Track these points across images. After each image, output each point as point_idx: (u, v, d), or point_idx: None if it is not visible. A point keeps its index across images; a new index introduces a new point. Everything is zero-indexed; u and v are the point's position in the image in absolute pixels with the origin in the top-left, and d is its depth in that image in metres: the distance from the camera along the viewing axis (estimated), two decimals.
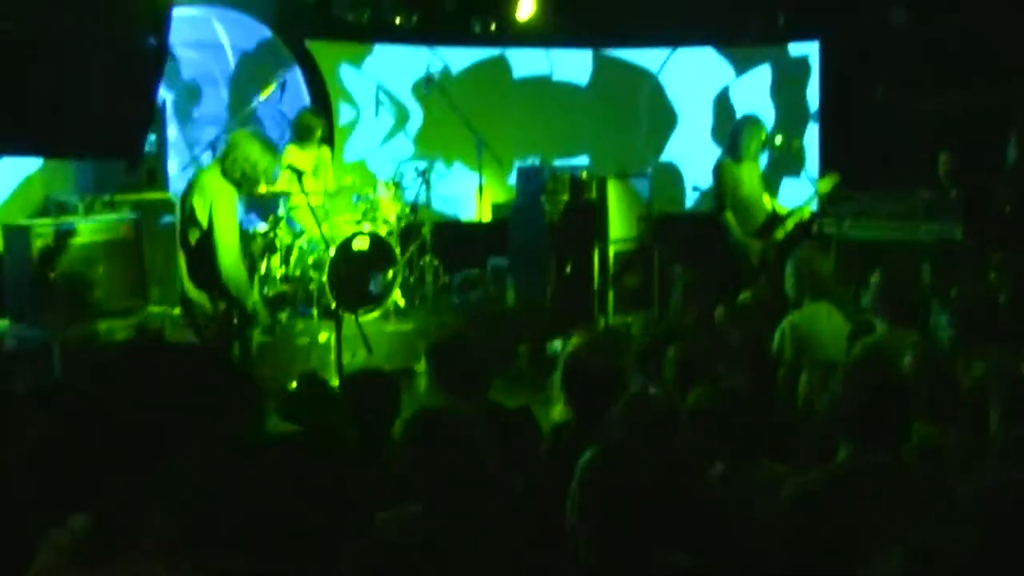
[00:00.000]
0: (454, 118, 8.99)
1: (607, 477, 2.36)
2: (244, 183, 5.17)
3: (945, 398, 3.42)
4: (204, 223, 5.01)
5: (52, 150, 5.49)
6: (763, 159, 7.73)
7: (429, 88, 8.60)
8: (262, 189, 5.94)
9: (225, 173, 5.09)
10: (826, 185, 7.36)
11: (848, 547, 2.28)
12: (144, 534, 1.56)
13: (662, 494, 2.37)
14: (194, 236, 5.06)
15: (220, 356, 1.58)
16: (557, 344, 4.30)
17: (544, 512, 2.92)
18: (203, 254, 5.03)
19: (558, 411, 3.99)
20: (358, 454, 3.70)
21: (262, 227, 7.32)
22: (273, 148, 5.34)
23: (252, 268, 6.76)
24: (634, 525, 2.31)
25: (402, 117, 9.70)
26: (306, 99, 9.04)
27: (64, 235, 5.98)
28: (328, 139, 8.32)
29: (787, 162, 8.61)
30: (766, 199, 7.52)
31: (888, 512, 2.64)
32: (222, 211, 5.01)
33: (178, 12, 4.71)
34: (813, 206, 7.52)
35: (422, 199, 8.19)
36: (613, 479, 2.35)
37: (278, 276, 7.25)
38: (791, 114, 9.91)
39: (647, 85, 10.51)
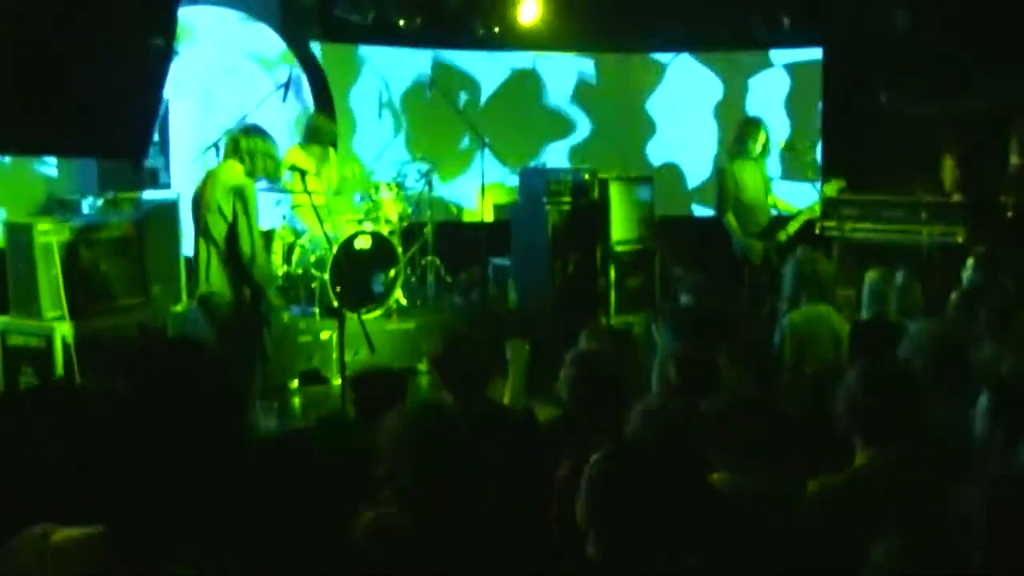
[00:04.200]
0: (457, 119, 9.01)
1: (618, 477, 2.37)
2: (267, 179, 5.55)
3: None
4: (229, 215, 5.21)
5: (57, 149, 5.52)
6: (769, 161, 7.73)
7: (432, 90, 8.61)
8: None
9: (250, 173, 5.32)
10: (832, 190, 7.37)
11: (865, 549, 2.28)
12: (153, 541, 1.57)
13: (674, 495, 2.37)
14: (220, 228, 5.23)
15: (207, 355, 1.57)
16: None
17: (544, 511, 2.93)
18: (230, 245, 5.23)
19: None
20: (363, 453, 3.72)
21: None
22: (272, 136, 5.57)
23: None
24: (644, 526, 2.32)
25: (405, 118, 9.71)
26: (310, 100, 9.06)
27: (67, 233, 5.99)
28: (332, 140, 8.33)
29: (795, 167, 8.63)
30: (771, 199, 7.54)
31: (911, 512, 2.64)
32: (247, 203, 5.23)
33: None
34: (817, 210, 7.53)
35: (424, 199, 8.20)
36: (624, 479, 2.36)
37: (280, 275, 7.27)
38: (796, 119, 9.92)
39: (650, 89, 10.52)
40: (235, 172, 5.32)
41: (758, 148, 7.36)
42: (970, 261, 5.62)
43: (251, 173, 5.35)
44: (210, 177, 5.41)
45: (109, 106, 4.13)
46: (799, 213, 7.49)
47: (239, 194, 5.23)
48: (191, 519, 1.62)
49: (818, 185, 7.64)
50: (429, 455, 2.66)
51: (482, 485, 2.76)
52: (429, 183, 8.21)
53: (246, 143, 5.34)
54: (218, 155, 6.62)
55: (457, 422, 2.77)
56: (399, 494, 2.61)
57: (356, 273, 7.05)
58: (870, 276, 5.15)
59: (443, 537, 2.58)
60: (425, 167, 8.15)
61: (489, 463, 2.93)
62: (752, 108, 9.79)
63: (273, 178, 5.69)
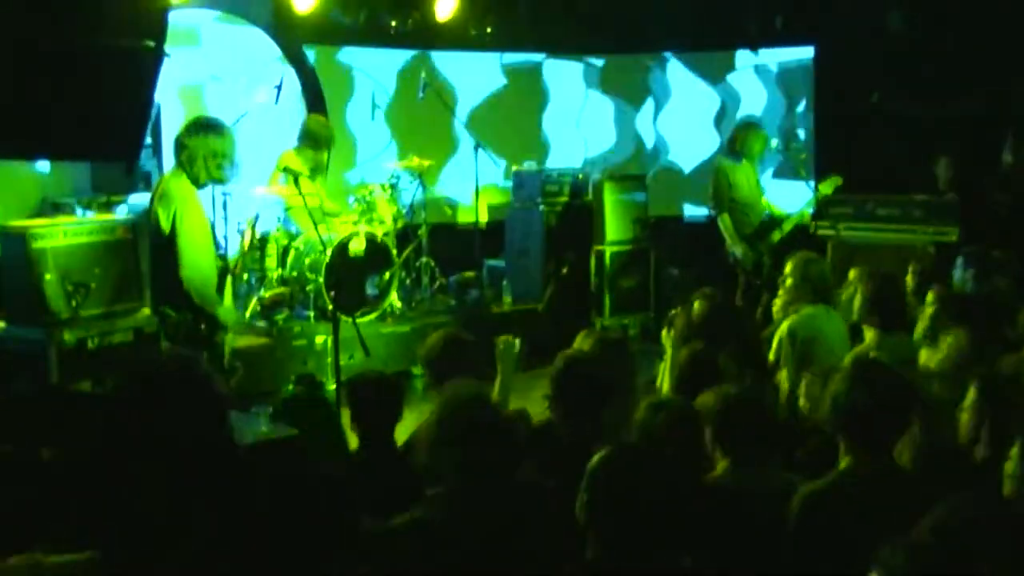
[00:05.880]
0: (451, 121, 9.01)
1: (619, 477, 2.37)
2: (213, 181, 5.05)
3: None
4: (167, 231, 4.81)
5: (50, 153, 5.49)
6: (765, 162, 7.74)
7: (425, 91, 8.60)
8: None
9: (194, 180, 4.89)
10: (828, 187, 7.37)
11: (856, 553, 2.28)
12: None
13: (673, 496, 2.38)
14: (158, 245, 4.87)
15: (187, 364, 1.58)
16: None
17: (540, 513, 2.93)
18: (166, 263, 4.85)
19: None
20: (360, 456, 3.71)
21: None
22: (222, 126, 5.05)
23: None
24: (643, 526, 2.32)
25: (398, 120, 9.71)
26: (302, 103, 9.05)
27: (61, 237, 5.97)
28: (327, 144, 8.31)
29: (789, 167, 8.65)
30: (764, 202, 7.54)
31: (893, 517, 2.63)
32: (187, 218, 4.81)
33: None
34: (810, 209, 7.54)
35: (419, 201, 8.20)
36: (624, 480, 2.36)
37: (275, 278, 7.25)
38: (788, 118, 9.94)
39: (644, 89, 10.53)
40: (177, 182, 4.86)
41: (755, 150, 7.37)
42: (959, 260, 5.63)
43: (195, 180, 4.88)
44: (156, 189, 4.98)
45: (101, 109, 4.12)
46: (792, 216, 7.49)
47: (176, 209, 4.78)
48: (187, 528, 1.62)
49: (812, 184, 7.67)
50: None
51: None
52: (423, 184, 8.21)
53: (188, 145, 4.86)
54: None
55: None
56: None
57: (351, 276, 7.03)
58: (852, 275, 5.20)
59: (449, 538, 2.59)
60: (419, 168, 8.14)
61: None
62: (745, 107, 9.81)
63: (219, 179, 5.05)
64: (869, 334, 4.57)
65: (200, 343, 5.02)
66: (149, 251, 4.98)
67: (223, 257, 5.29)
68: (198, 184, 4.93)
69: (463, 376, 3.84)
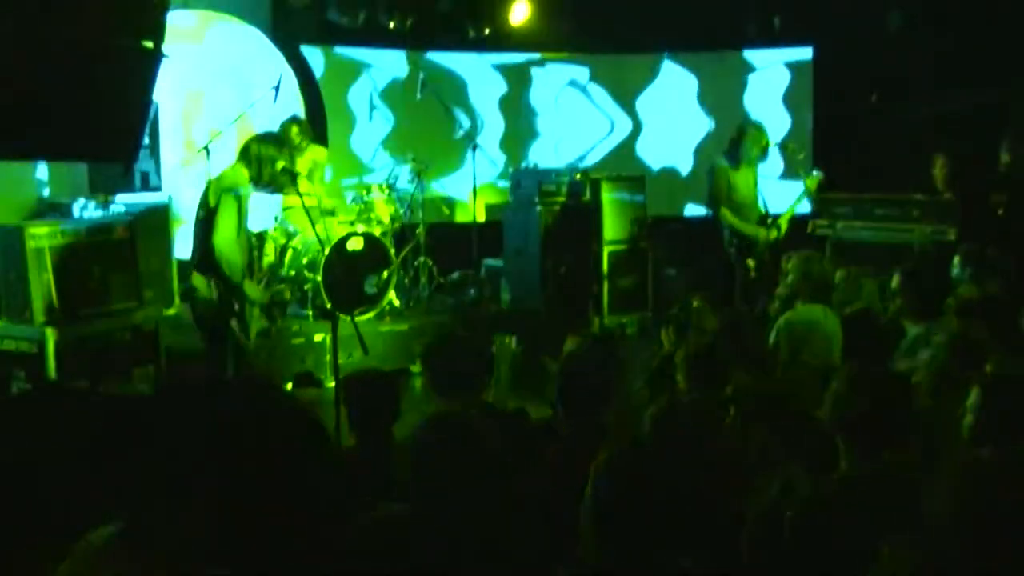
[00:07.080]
0: (449, 120, 9.00)
1: (624, 478, 2.37)
2: (272, 188, 5.57)
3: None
4: (212, 204, 5.21)
5: (47, 153, 5.50)
6: (765, 165, 7.74)
7: (423, 91, 8.60)
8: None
9: (255, 180, 5.34)
10: (813, 182, 7.38)
11: (859, 554, 2.28)
12: (171, 538, 1.58)
13: (675, 497, 2.37)
14: (200, 217, 5.29)
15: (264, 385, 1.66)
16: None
17: (538, 514, 2.93)
18: (204, 233, 5.23)
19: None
20: (358, 455, 3.71)
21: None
22: (283, 143, 5.63)
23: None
24: (648, 527, 2.32)
25: (397, 120, 9.71)
26: (300, 103, 9.05)
27: (59, 237, 5.97)
28: (323, 141, 8.32)
29: (787, 166, 8.67)
30: (758, 207, 7.55)
31: (893, 517, 2.64)
32: (232, 200, 5.20)
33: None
34: (801, 207, 7.55)
35: (417, 200, 8.20)
36: (629, 480, 2.36)
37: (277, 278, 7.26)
38: (787, 118, 9.95)
39: (642, 89, 10.53)
40: (238, 175, 5.35)
41: (753, 153, 7.36)
42: (957, 259, 5.65)
43: (256, 180, 5.37)
44: (214, 179, 5.45)
45: (98, 110, 4.12)
46: (783, 215, 7.49)
47: (230, 192, 5.23)
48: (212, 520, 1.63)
49: (802, 179, 7.67)
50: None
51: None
52: (421, 184, 8.21)
53: (256, 149, 5.38)
54: (209, 158, 6.61)
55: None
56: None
57: (349, 275, 7.04)
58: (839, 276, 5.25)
59: (445, 537, 2.59)
60: (417, 168, 8.14)
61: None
62: (743, 107, 9.81)
63: (278, 187, 5.68)
64: (913, 330, 4.56)
65: (229, 317, 5.34)
66: (194, 228, 5.39)
67: (249, 265, 5.63)
68: (256, 183, 5.38)
69: (461, 376, 3.84)
